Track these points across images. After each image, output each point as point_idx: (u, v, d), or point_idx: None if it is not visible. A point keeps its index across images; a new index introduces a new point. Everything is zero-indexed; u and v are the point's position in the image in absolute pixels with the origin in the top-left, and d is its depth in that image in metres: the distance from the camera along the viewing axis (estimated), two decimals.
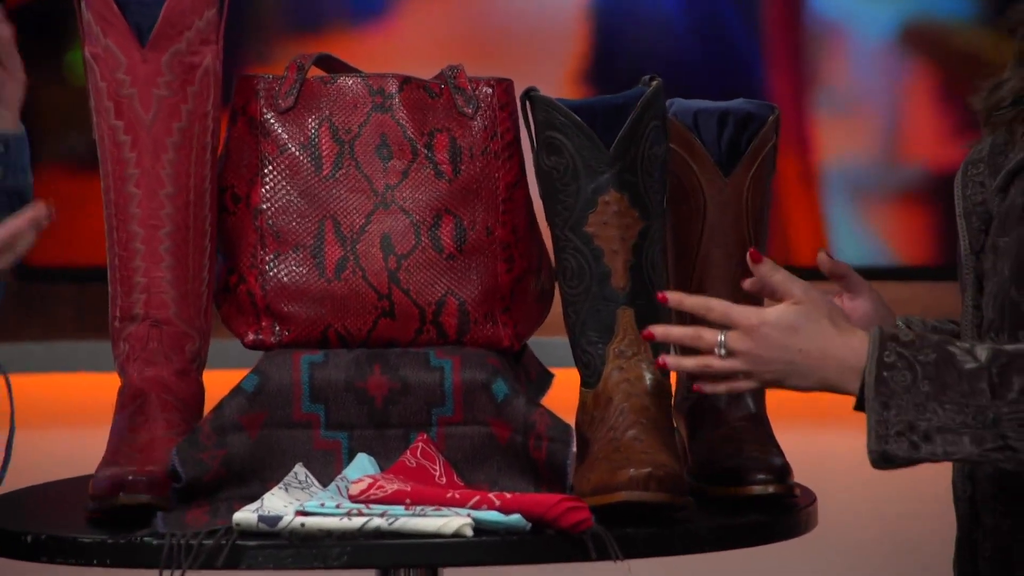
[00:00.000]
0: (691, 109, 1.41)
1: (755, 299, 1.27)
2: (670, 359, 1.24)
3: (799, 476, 1.36)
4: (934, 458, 1.18)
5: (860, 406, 1.20)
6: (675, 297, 1.25)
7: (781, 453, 1.36)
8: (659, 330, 1.24)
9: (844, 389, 1.21)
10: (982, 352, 1.18)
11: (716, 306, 1.22)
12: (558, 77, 2.58)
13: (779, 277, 1.23)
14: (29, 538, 1.22)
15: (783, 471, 1.33)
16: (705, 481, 1.35)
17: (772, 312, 1.21)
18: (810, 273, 2.79)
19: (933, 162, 2.61)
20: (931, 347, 1.19)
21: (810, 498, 1.35)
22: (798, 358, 1.20)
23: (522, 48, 2.58)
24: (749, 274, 1.25)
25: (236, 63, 2.61)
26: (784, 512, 1.31)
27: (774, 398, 1.42)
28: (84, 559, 1.21)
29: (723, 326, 1.22)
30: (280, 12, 2.63)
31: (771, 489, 1.31)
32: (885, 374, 1.18)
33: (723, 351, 1.21)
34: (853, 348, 1.19)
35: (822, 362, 1.20)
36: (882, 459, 1.19)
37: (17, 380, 1.41)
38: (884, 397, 1.18)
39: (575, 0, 2.59)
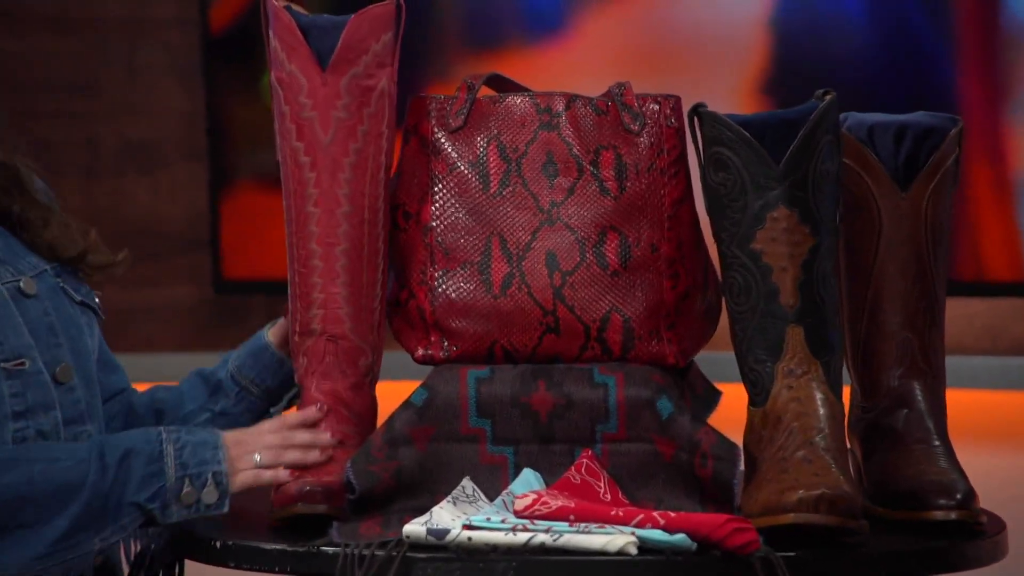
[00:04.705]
0: (866, 123, 1.38)
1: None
2: None
3: (985, 503, 1.30)
4: None
5: None
6: None
7: (965, 477, 1.30)
8: None
9: None
10: None
11: None
12: (738, 88, 2.54)
13: None
14: (218, 544, 1.27)
15: (967, 496, 1.28)
16: (882, 504, 1.31)
17: None
18: (1002, 288, 2.64)
19: None
20: None
21: (999, 526, 1.29)
22: None
23: (701, 60, 2.55)
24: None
25: (417, 81, 2.67)
26: (969, 539, 1.26)
27: (955, 418, 1.37)
28: (266, 565, 1.25)
29: None
30: (460, 31, 2.67)
31: (954, 515, 1.26)
32: None
33: None
34: None
35: None
36: None
37: None
38: None
39: (755, 10, 2.54)
